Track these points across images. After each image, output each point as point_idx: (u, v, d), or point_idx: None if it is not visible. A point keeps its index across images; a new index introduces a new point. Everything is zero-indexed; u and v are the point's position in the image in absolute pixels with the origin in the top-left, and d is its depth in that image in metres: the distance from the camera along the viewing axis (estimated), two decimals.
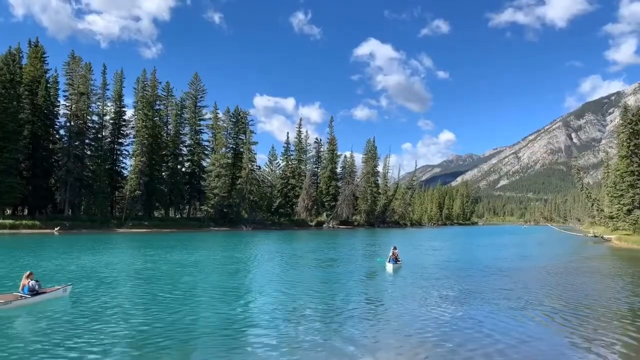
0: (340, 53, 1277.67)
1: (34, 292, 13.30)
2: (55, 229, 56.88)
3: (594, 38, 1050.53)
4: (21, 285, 13.42)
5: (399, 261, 25.33)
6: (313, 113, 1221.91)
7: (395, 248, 26.50)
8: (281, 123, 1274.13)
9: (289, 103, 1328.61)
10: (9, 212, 65.25)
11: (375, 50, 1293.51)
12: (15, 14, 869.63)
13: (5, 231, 52.10)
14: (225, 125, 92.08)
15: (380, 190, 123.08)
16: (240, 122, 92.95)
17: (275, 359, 9.15)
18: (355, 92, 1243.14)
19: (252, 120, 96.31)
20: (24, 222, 56.74)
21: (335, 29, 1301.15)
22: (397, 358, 9.42)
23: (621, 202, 56.60)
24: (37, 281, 13.59)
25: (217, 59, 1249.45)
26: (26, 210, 69.40)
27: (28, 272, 13.73)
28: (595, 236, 68.50)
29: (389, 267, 24.52)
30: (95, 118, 74.75)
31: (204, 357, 9.30)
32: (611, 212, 61.76)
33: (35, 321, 11.68)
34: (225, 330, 11.13)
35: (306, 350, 9.72)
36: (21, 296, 13.08)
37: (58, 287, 14.49)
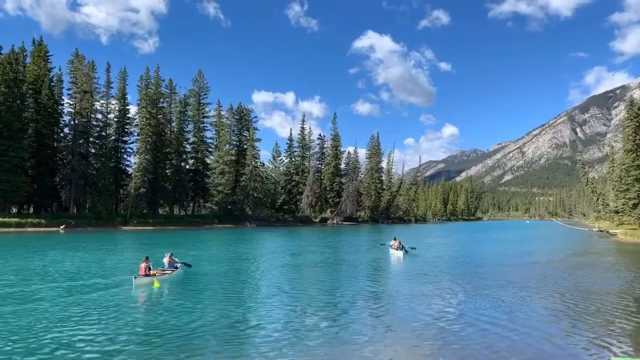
0: (338, 46, 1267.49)
1: (175, 267, 19.00)
2: (61, 227, 57.13)
3: (600, 28, 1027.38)
4: (166, 263, 18.87)
5: (404, 247, 27.06)
6: (313, 108, 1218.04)
7: (395, 239, 27.87)
8: (282, 119, 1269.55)
9: (289, 98, 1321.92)
10: (14, 210, 65.67)
11: (375, 42, 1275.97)
12: (6, 8, 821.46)
13: (11, 229, 52.43)
14: (228, 122, 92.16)
15: (384, 186, 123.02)
16: (243, 119, 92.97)
17: (285, 354, 9.18)
18: (355, 86, 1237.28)
19: (255, 117, 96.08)
20: (29, 220, 57.01)
21: (333, 20, 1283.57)
22: (404, 353, 9.40)
23: (627, 197, 56.36)
24: (175, 259, 19.43)
25: (214, 53, 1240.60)
26: (32, 209, 69.71)
27: (170, 253, 19.30)
28: (600, 230, 68.39)
29: (399, 254, 26.10)
30: (99, 116, 74.68)
31: (210, 352, 9.33)
32: (616, 207, 61.53)
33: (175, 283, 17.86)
34: (232, 324, 11.22)
35: (314, 345, 9.73)
36: (169, 270, 18.47)
37: (180, 263, 19.87)
